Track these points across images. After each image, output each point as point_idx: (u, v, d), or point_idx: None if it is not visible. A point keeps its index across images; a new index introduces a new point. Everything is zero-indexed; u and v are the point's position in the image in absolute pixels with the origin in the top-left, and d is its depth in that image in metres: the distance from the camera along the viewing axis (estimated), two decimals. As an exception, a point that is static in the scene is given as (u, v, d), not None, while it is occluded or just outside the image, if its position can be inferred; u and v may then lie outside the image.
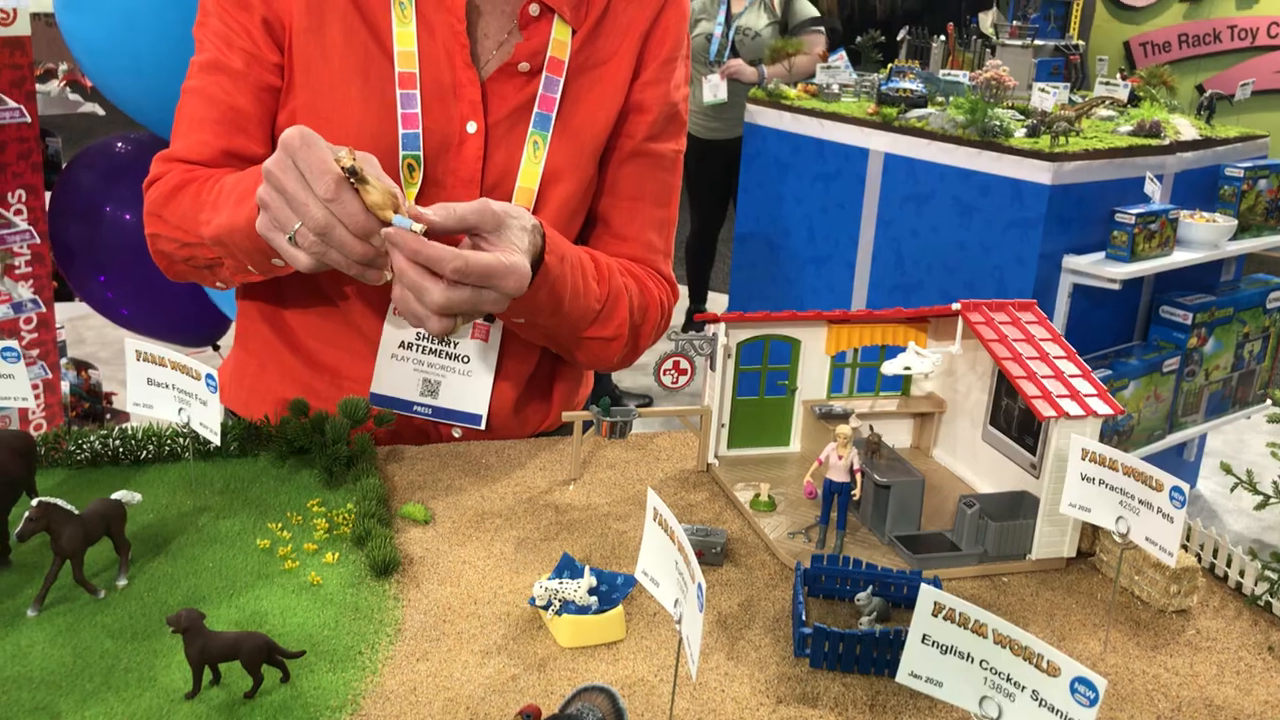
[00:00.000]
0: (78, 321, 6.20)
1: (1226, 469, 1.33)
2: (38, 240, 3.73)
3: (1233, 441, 5.81)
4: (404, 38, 1.60)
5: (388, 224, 1.32)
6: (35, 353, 4.07)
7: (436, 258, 1.32)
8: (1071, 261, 4.05)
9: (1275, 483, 1.26)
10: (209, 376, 1.31)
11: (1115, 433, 4.18)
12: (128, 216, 3.93)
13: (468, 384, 1.70)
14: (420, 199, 1.61)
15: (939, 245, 4.37)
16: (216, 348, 4.49)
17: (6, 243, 3.52)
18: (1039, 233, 4.05)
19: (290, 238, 1.33)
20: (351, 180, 1.30)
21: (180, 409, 1.36)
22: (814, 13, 5.92)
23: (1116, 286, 3.97)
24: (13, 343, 1.31)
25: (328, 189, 1.30)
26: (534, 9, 1.64)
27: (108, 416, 4.68)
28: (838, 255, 4.79)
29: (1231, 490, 1.32)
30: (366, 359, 1.69)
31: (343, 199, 1.31)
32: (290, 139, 1.32)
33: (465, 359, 1.70)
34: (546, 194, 1.67)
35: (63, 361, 4.49)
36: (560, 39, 1.66)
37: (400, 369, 1.69)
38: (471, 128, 1.63)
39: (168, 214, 1.62)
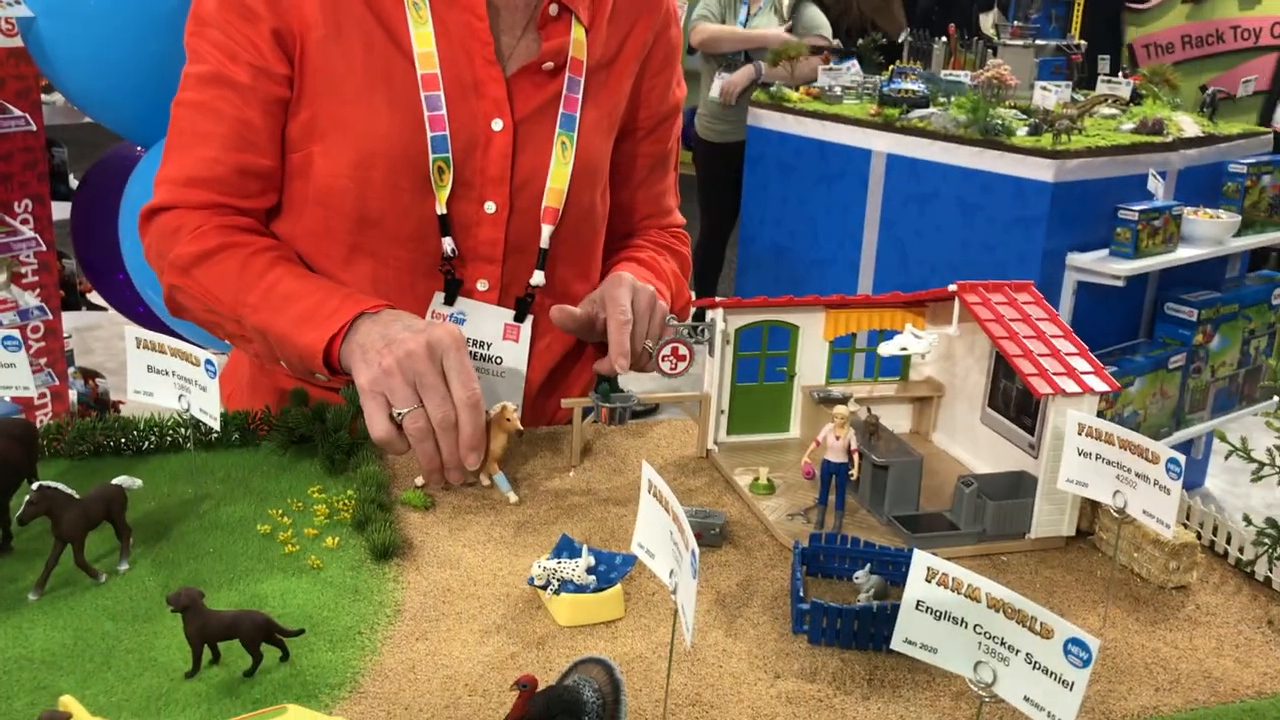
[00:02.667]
0: (85, 332, 6.23)
1: (1221, 436, 1.33)
2: (44, 248, 3.75)
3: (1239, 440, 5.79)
4: (422, 38, 1.60)
5: (491, 452, 1.45)
6: (43, 361, 4.09)
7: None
8: (1075, 259, 4.05)
9: (1270, 450, 1.26)
10: (208, 363, 1.31)
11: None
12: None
13: (501, 384, 1.72)
14: (451, 200, 1.64)
15: (943, 245, 4.37)
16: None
17: (13, 250, 3.54)
18: (1042, 230, 4.05)
19: (397, 415, 1.37)
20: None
21: (180, 395, 1.36)
22: (823, 23, 5.92)
23: (1121, 283, 3.97)
24: (14, 332, 1.32)
25: (471, 396, 1.37)
26: (554, 9, 1.66)
27: (115, 425, 4.70)
28: (842, 257, 4.79)
29: (1226, 458, 1.33)
30: None
31: (478, 411, 1.38)
32: (444, 339, 1.38)
33: (499, 360, 1.72)
34: (576, 192, 1.70)
35: (70, 370, 4.51)
36: (579, 39, 1.68)
37: None
38: (497, 125, 1.64)
39: (200, 275, 1.59)
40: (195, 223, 1.60)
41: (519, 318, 1.73)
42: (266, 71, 1.59)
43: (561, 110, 1.68)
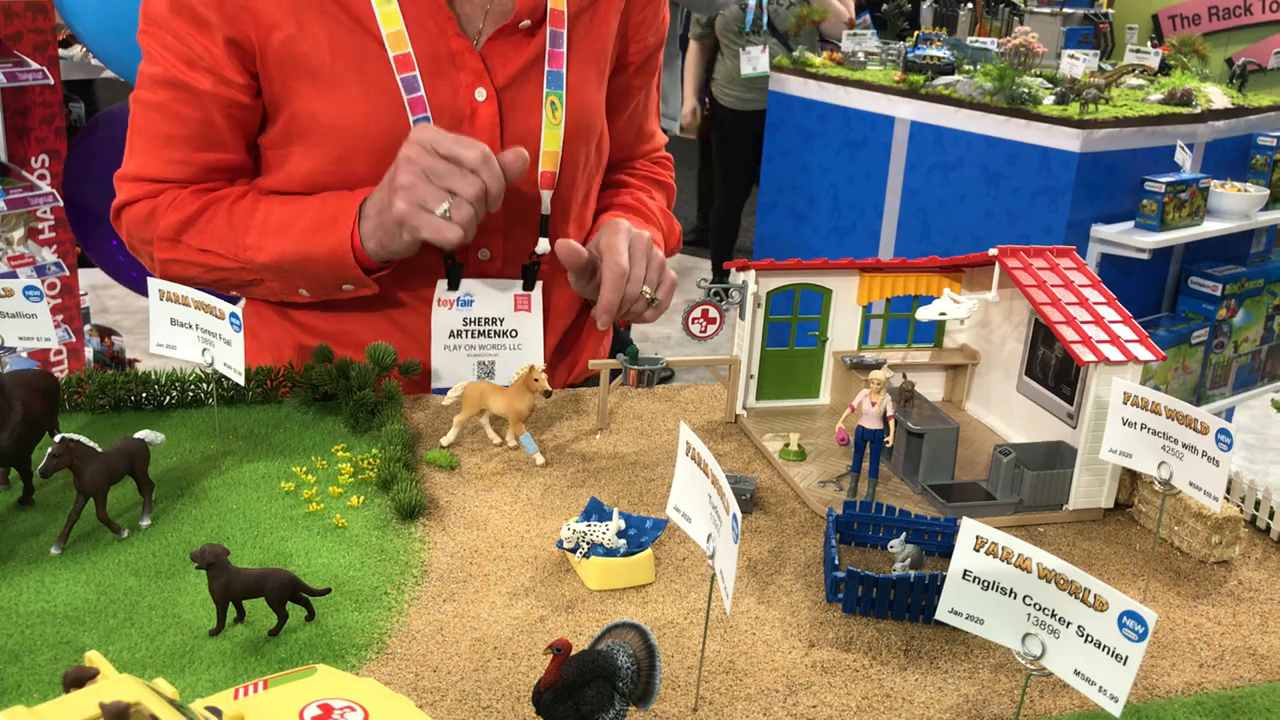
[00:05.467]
0: (101, 290, 6.21)
1: (1277, 405, 1.30)
2: (61, 204, 3.72)
3: (1260, 416, 5.75)
4: (388, 18, 1.53)
5: (517, 412, 1.46)
6: (59, 317, 4.07)
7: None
8: (1100, 230, 3.99)
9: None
10: (233, 316, 1.29)
11: (1143, 404, 4.13)
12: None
13: (520, 356, 1.69)
14: None
15: (966, 214, 4.32)
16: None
17: (30, 205, 3.51)
18: (1067, 201, 3.99)
19: (444, 213, 1.40)
20: None
21: (204, 349, 1.34)
22: None
23: (1145, 256, 3.92)
24: (35, 282, 1.29)
25: (479, 154, 1.40)
26: None
27: (130, 383, 4.68)
28: (863, 225, 4.74)
29: None
30: (407, 350, 1.66)
31: (492, 162, 1.41)
32: (423, 135, 1.42)
33: (514, 333, 1.69)
34: (571, 152, 1.65)
35: (86, 328, 4.50)
36: None
37: (455, 357, 1.68)
38: (481, 95, 1.59)
39: (191, 240, 1.57)
40: (169, 198, 1.58)
41: (527, 286, 1.69)
42: (225, 80, 1.54)
43: (547, 68, 1.62)
